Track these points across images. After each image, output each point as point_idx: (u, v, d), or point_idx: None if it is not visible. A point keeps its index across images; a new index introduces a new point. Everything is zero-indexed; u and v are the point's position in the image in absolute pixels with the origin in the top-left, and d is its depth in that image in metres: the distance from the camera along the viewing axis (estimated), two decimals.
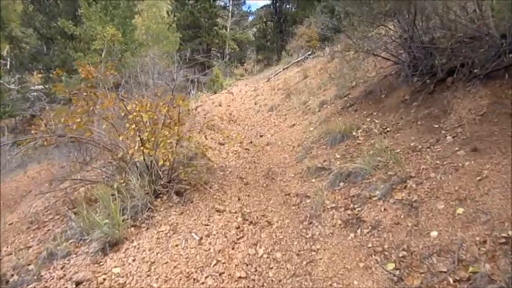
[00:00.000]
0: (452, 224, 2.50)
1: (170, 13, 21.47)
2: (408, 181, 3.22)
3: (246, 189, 4.48)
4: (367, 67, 6.04)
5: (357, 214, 3.17)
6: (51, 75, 13.41)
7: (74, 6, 14.80)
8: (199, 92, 12.65)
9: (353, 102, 5.96)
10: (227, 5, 27.37)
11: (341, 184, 3.83)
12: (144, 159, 3.77)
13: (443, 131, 3.78)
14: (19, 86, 15.37)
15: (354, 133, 4.86)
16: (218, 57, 25.65)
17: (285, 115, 7.73)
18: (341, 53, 5.62)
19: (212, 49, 25.61)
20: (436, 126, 3.95)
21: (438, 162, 3.28)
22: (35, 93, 15.38)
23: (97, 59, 12.99)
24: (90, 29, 12.80)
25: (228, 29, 26.26)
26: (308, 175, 4.46)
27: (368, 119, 5.05)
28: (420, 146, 3.71)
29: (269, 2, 27.80)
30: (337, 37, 7.22)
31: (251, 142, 6.55)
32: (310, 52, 14.04)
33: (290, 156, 5.36)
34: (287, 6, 26.86)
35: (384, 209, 3.03)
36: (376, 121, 4.88)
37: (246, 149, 6.12)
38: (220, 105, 10.35)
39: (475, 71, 4.09)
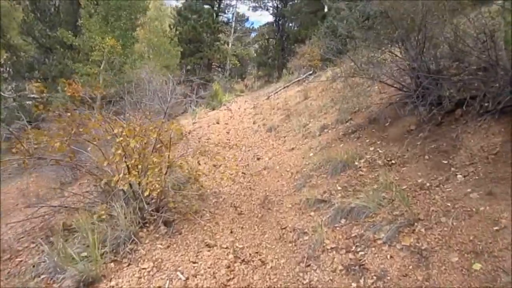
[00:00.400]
0: (469, 283, 2.22)
1: (172, 27, 21.49)
2: (416, 224, 2.94)
3: (240, 220, 4.18)
4: (371, 92, 5.83)
5: (360, 260, 2.87)
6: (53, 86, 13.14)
7: (75, 17, 14.73)
8: (197, 108, 12.43)
9: (355, 129, 5.71)
10: (230, 21, 27.49)
11: (342, 221, 3.54)
12: (130, 186, 3.49)
13: (453, 169, 3.53)
14: (16, 94, 15.11)
15: (356, 163, 4.60)
16: (218, 72, 25.61)
17: (284, 137, 7.48)
18: (345, 77, 5.40)
19: (213, 64, 25.62)
20: (445, 162, 3.70)
21: (449, 204, 3.01)
22: (30, 102, 15.13)
23: (95, 71, 12.85)
24: (90, 40, 12.68)
25: (230, 45, 26.30)
26: (307, 207, 4.18)
27: (371, 148, 4.80)
28: (428, 184, 3.45)
29: (272, 20, 28.01)
30: (340, 59, 7.03)
31: (247, 165, 6.28)
32: (311, 72, 13.93)
33: (288, 183, 5.08)
34: (290, 24, 27.05)
35: (390, 256, 2.74)
36: (380, 151, 4.63)
37: (242, 173, 5.85)
38: (218, 123, 10.11)
39: (486, 105, 3.87)
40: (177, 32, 20.21)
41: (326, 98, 8.59)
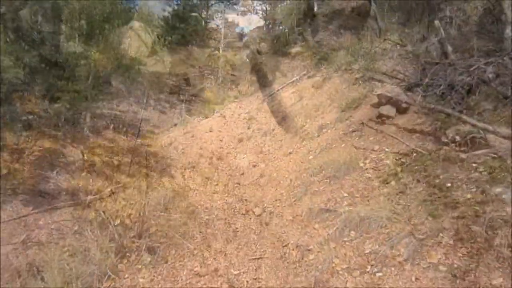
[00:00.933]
0: None
1: (160, 37, 21.07)
2: (441, 235, 2.47)
3: (235, 240, 3.68)
4: (372, 87, 5.36)
5: (378, 284, 2.38)
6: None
7: (58, 33, 14.31)
8: (189, 118, 11.94)
9: (357, 127, 5.23)
10: (219, 27, 27.14)
11: (352, 234, 3.05)
12: (103, 212, 3.00)
13: (474, 164, 3.06)
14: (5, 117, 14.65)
15: (361, 164, 4.12)
16: (211, 79, 25.18)
17: (281, 140, 7.01)
18: (342, 71, 4.94)
19: (205, 71, 25.20)
20: (463, 157, 3.22)
21: (477, 208, 2.53)
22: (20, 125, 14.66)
23: (82, 87, 12.39)
24: (74, 55, 12.24)
25: (221, 51, 25.92)
26: (310, 218, 3.69)
27: (377, 147, 4.32)
28: (448, 184, 2.98)
29: (262, 24, 27.67)
30: (335, 53, 6.59)
31: (242, 174, 5.80)
32: (305, 72, 13.47)
33: (287, 192, 4.59)
34: (280, 27, 26.69)
35: (416, 278, 2.26)
36: (387, 149, 4.15)
37: (236, 183, 5.36)
38: (211, 131, 9.60)
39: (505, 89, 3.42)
40: (166, 42, 19.78)
41: (322, 97, 8.10)
